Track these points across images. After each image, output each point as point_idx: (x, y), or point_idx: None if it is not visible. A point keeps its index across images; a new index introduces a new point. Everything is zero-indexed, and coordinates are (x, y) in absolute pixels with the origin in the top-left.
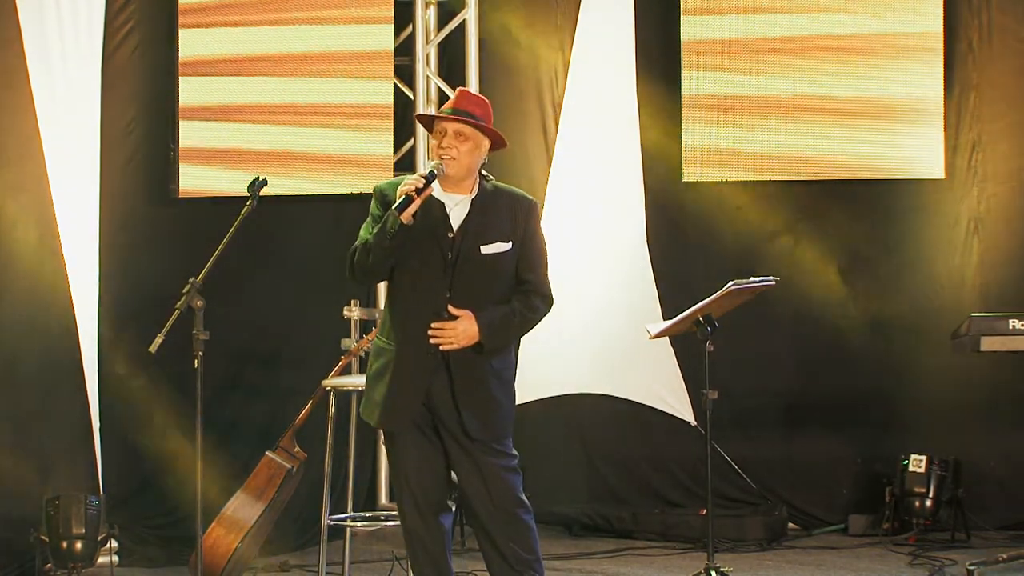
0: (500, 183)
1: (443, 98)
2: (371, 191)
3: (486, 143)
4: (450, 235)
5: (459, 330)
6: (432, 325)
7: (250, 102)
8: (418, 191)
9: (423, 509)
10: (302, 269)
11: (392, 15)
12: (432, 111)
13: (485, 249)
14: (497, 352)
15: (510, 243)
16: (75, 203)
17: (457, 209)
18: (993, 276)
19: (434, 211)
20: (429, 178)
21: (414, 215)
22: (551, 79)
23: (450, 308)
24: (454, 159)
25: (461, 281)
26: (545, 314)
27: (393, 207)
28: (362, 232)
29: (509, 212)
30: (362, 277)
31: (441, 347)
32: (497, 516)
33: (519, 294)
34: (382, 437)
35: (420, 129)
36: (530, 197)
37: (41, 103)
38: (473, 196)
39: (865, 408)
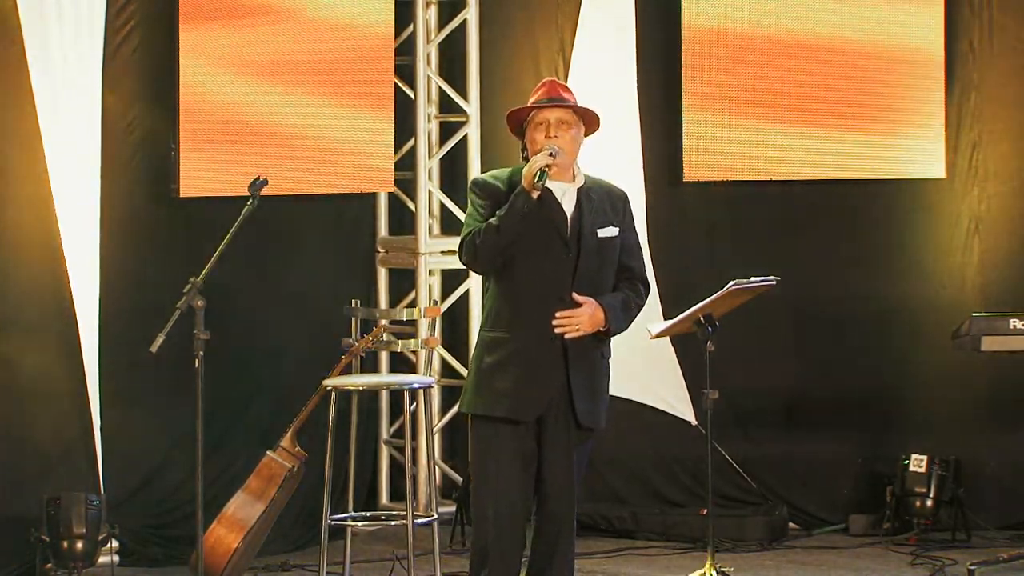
0: (589, 175)
1: (444, 97)
2: (372, 191)
3: (583, 128)
4: (567, 220)
5: (585, 316)
6: (557, 313)
7: (249, 103)
8: (547, 166)
9: (507, 511)
10: (303, 268)
11: (392, 14)
12: (433, 111)
13: (601, 232)
14: (610, 338)
15: (618, 228)
16: (76, 203)
17: (566, 198)
18: (993, 276)
19: (547, 199)
20: (553, 153)
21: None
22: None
23: (573, 295)
24: (562, 148)
25: (581, 267)
26: (646, 301)
27: (523, 184)
28: (468, 220)
29: (609, 200)
30: (487, 260)
31: (566, 335)
32: (567, 521)
33: (624, 281)
34: (471, 427)
35: (421, 129)
36: (622, 188)
37: (42, 103)
38: (578, 185)
39: (866, 408)
